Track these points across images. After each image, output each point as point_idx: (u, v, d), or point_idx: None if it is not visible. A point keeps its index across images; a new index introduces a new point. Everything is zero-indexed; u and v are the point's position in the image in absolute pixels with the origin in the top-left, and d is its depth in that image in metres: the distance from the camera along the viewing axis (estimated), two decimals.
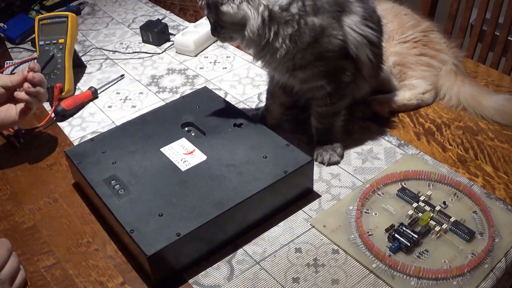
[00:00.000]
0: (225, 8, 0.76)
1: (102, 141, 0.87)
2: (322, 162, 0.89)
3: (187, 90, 1.12)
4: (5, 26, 1.37)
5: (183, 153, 0.82)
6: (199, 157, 0.81)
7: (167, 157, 0.82)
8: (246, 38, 0.79)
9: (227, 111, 0.92)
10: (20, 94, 0.89)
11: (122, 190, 0.76)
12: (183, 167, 0.80)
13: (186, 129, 0.89)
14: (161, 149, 0.83)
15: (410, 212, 0.77)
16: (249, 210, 0.76)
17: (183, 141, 0.85)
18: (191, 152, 0.82)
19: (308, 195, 0.83)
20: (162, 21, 1.33)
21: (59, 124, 1.04)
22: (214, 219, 0.71)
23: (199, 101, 0.95)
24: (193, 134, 0.88)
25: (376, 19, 0.87)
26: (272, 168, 0.78)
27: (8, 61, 1.26)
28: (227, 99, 1.07)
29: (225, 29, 0.80)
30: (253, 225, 0.77)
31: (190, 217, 0.71)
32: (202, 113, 0.92)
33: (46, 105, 1.10)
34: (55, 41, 1.13)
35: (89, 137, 0.89)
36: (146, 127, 0.89)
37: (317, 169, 0.88)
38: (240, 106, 1.05)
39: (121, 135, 0.88)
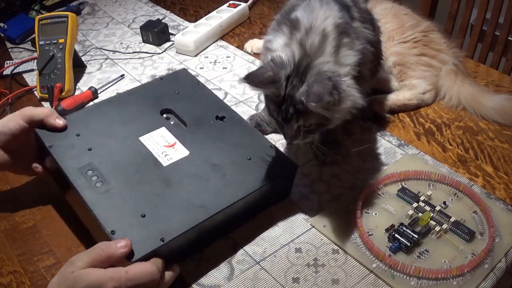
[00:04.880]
0: (343, 105, 0.71)
1: (76, 121, 0.80)
2: (323, 162, 0.89)
3: None
4: (5, 26, 1.37)
5: (164, 145, 0.79)
6: (181, 151, 0.78)
7: (147, 148, 0.78)
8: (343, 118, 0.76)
9: (209, 100, 0.89)
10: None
11: (100, 183, 0.72)
12: (164, 161, 0.76)
13: (165, 116, 0.85)
14: (140, 138, 0.79)
15: (410, 212, 0.77)
16: (232, 215, 0.74)
17: (163, 131, 0.81)
18: (173, 145, 0.79)
19: (285, 198, 0.83)
20: (162, 21, 1.33)
21: None
22: (198, 224, 0.69)
23: (178, 86, 0.91)
24: (172, 122, 0.84)
25: (368, 19, 0.88)
26: (256, 173, 0.76)
27: (8, 61, 1.26)
28: (227, 99, 1.07)
29: (318, 129, 0.76)
30: (232, 226, 0.77)
31: (174, 221, 0.68)
32: (182, 99, 0.88)
33: (46, 105, 1.10)
34: (55, 41, 1.13)
35: None
36: (123, 110, 0.84)
37: (317, 169, 0.88)
38: (240, 106, 1.05)
39: (96, 117, 0.82)
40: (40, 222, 0.81)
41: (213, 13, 1.35)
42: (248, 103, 1.07)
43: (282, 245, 0.75)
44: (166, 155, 0.78)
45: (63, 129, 0.79)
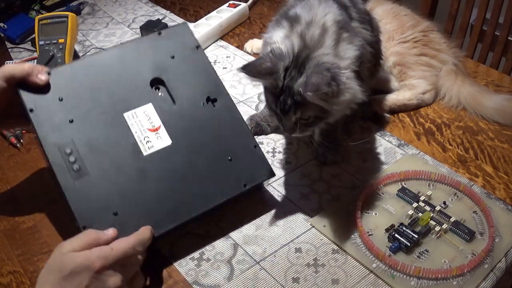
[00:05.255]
0: (342, 98, 0.71)
1: (60, 80, 0.75)
2: (323, 162, 0.89)
3: None
4: (5, 26, 1.37)
5: (147, 128, 0.76)
6: (164, 139, 0.76)
7: (130, 129, 0.75)
8: (343, 112, 0.77)
9: (204, 73, 0.83)
10: None
11: (78, 167, 0.71)
12: (145, 149, 0.74)
13: (155, 87, 0.80)
14: (125, 115, 0.76)
15: (410, 212, 0.77)
16: (202, 217, 0.76)
17: (150, 108, 0.77)
18: (156, 129, 0.76)
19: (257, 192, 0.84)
20: (162, 21, 1.33)
21: None
22: (166, 232, 0.71)
23: (176, 47, 0.83)
24: (161, 94, 0.79)
25: (367, 20, 0.88)
26: (233, 177, 0.77)
27: (8, 61, 1.26)
28: None
29: (316, 122, 0.75)
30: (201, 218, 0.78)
31: (143, 225, 0.69)
32: (177, 67, 0.81)
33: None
34: (55, 41, 1.13)
35: None
36: (112, 71, 0.78)
37: (317, 169, 0.88)
38: (240, 106, 1.05)
39: (82, 76, 0.77)
40: (40, 222, 0.81)
41: (213, 13, 1.35)
42: (248, 103, 1.07)
43: (282, 245, 0.75)
44: (148, 141, 0.75)
45: (46, 86, 0.74)
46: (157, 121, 0.77)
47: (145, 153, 0.74)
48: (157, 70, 0.80)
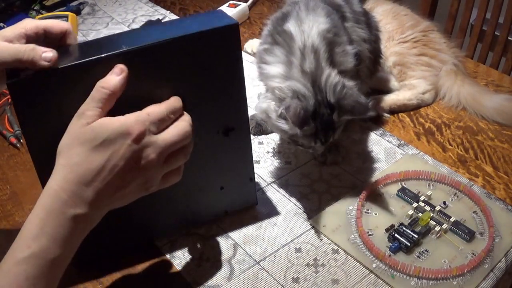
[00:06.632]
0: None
1: (64, 82, 0.58)
2: (323, 162, 0.89)
3: None
4: (5, 26, 1.37)
5: None
6: None
7: None
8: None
9: (234, 95, 0.70)
10: None
11: None
12: None
13: None
14: None
15: (410, 212, 0.77)
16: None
17: None
18: None
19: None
20: (162, 21, 1.33)
21: None
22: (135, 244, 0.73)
23: (213, 61, 0.66)
24: None
25: (363, 20, 0.88)
26: (219, 204, 0.77)
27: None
28: None
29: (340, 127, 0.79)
30: None
31: (114, 238, 0.70)
32: (206, 89, 0.67)
33: None
34: None
35: None
36: (133, 83, 0.59)
37: (317, 169, 0.88)
38: None
39: (95, 72, 0.57)
40: None
41: None
42: (248, 103, 1.06)
43: (282, 245, 0.75)
44: None
45: (48, 86, 0.58)
46: None
47: None
48: (181, 89, 0.63)
